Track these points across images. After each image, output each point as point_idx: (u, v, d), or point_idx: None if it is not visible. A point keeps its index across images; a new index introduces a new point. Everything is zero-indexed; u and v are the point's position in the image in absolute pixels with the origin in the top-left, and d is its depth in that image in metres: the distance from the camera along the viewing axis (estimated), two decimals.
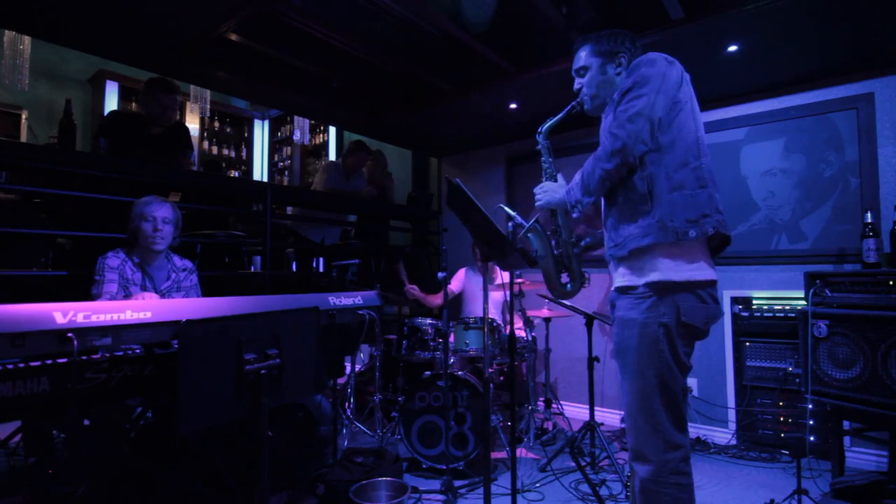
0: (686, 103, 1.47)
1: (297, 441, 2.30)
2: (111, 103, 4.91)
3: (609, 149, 1.43)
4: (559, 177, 1.70)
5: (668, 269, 1.42)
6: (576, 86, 1.68)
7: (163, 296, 2.19)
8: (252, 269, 3.78)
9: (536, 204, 1.69)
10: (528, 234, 1.71)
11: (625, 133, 1.40)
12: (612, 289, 1.58)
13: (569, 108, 1.69)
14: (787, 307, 3.00)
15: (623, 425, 3.44)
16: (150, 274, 2.19)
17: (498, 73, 3.03)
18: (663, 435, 1.41)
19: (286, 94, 3.41)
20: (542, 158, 1.74)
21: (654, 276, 1.43)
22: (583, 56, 1.64)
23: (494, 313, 3.59)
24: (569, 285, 1.73)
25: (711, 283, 1.46)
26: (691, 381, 3.34)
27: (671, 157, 1.43)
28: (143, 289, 2.15)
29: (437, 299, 3.53)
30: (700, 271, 1.43)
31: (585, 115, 1.71)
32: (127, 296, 2.09)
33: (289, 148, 6.41)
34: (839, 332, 2.28)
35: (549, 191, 1.67)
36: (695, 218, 1.41)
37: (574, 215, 1.61)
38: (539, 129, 1.75)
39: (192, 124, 5.60)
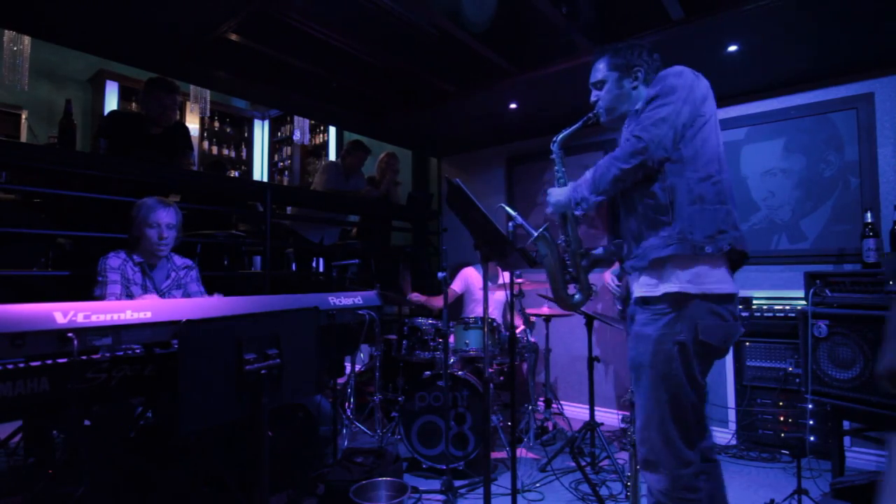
0: (710, 118, 1.47)
1: (297, 441, 2.30)
2: (111, 103, 4.91)
3: (630, 149, 1.41)
4: (570, 183, 1.69)
5: (686, 282, 1.41)
6: (592, 98, 1.68)
7: (163, 295, 2.19)
8: (252, 269, 3.78)
9: (546, 211, 1.69)
10: (538, 243, 1.69)
11: (648, 136, 1.39)
12: (632, 300, 1.56)
13: (584, 119, 1.70)
14: (787, 307, 3.00)
15: (623, 425, 3.44)
16: (151, 274, 2.19)
17: (498, 73, 3.03)
18: (675, 450, 1.41)
19: (286, 94, 3.41)
20: (556, 168, 1.74)
21: (671, 288, 1.42)
22: (601, 68, 1.65)
23: (495, 313, 3.59)
24: (577, 296, 1.72)
25: (730, 298, 1.44)
26: None
27: (693, 169, 1.43)
28: (144, 288, 2.15)
29: (440, 302, 3.53)
30: (719, 284, 1.41)
31: (600, 125, 1.72)
32: (129, 296, 2.09)
33: (289, 148, 6.41)
34: (839, 332, 2.28)
35: (554, 194, 1.66)
36: (711, 234, 1.40)
37: (577, 213, 1.60)
38: (553, 139, 1.75)
39: (192, 124, 5.60)
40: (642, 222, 1.50)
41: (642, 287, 1.50)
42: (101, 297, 2.03)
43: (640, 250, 1.50)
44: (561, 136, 1.74)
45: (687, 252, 1.40)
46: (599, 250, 1.75)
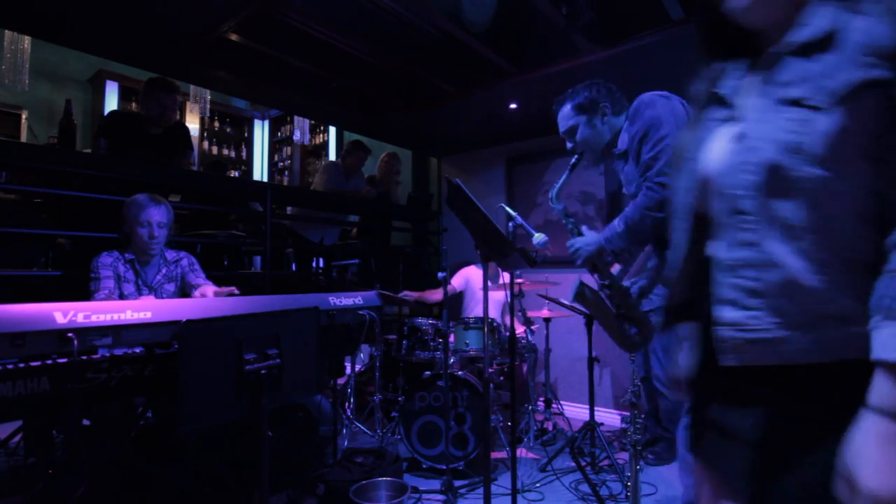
0: None
1: (297, 441, 2.30)
2: (111, 103, 4.91)
3: (658, 198, 1.43)
4: (584, 229, 1.70)
5: None
6: (569, 146, 1.71)
7: (154, 290, 2.21)
8: (252, 269, 3.78)
9: (578, 263, 1.69)
10: (576, 302, 1.65)
11: (669, 180, 1.39)
12: None
13: (570, 167, 1.73)
14: None
15: (623, 426, 3.44)
16: (141, 270, 2.20)
17: (498, 73, 3.03)
18: None
19: (286, 94, 3.41)
20: (563, 221, 1.75)
21: None
22: (567, 114, 1.67)
23: (495, 313, 3.59)
24: (638, 336, 1.67)
25: None
26: None
27: None
28: (136, 285, 2.17)
29: (436, 294, 3.52)
30: None
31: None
32: (121, 293, 2.11)
33: (289, 148, 6.42)
34: None
35: (584, 243, 1.66)
36: None
37: (609, 260, 1.61)
38: (550, 197, 1.77)
39: (192, 124, 5.60)
40: None
41: None
42: (95, 292, 2.05)
43: None
44: (555, 191, 1.75)
45: None
46: (643, 282, 1.70)
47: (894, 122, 0.57)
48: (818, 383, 0.62)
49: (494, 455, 2.92)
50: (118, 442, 1.84)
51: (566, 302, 3.14)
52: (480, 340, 2.96)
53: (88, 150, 3.21)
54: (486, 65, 2.94)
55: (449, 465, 2.50)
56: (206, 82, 3.73)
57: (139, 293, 2.17)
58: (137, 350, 1.45)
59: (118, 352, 1.41)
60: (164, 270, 2.27)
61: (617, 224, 1.56)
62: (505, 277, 3.31)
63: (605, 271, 1.68)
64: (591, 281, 1.67)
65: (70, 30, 2.57)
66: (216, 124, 6.12)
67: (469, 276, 3.71)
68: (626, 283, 1.68)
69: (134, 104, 5.01)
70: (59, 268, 2.56)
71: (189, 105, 5.34)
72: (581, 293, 1.60)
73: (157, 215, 2.17)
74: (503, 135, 4.26)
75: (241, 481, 1.89)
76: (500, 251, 1.90)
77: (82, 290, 2.16)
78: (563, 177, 1.73)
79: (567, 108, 1.67)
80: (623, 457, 2.91)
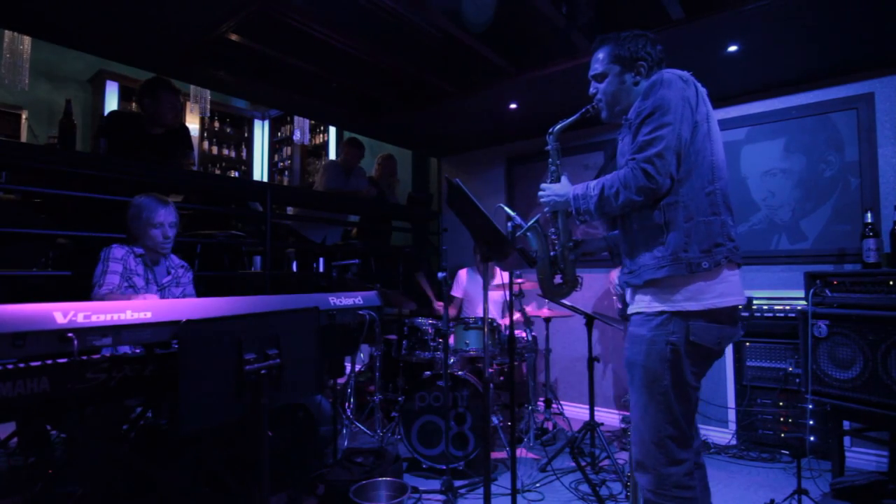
0: (702, 125, 1.43)
1: (297, 441, 2.30)
2: (111, 103, 4.91)
3: (641, 183, 1.38)
4: (563, 178, 1.68)
5: (686, 300, 1.39)
6: (591, 90, 1.63)
7: (163, 290, 2.21)
8: (252, 269, 3.78)
9: (542, 201, 1.66)
10: (528, 234, 1.71)
11: (654, 170, 1.36)
12: (629, 311, 1.56)
13: (583, 111, 1.65)
14: (787, 307, 3.00)
15: (623, 425, 3.44)
16: (153, 268, 2.20)
17: (498, 73, 3.02)
18: (665, 450, 1.41)
19: (286, 94, 3.41)
20: (550, 160, 1.71)
21: (670, 307, 1.41)
22: (601, 59, 1.58)
23: (494, 313, 3.59)
24: (562, 287, 1.72)
25: (733, 309, 1.43)
26: None
27: (688, 185, 1.41)
28: (146, 280, 2.16)
29: (451, 310, 3.62)
30: (720, 298, 1.39)
31: (600, 122, 1.70)
32: (130, 286, 2.10)
33: (289, 148, 6.41)
34: (839, 332, 2.28)
35: (554, 192, 1.63)
36: (707, 248, 1.39)
37: (577, 221, 1.59)
38: (550, 130, 1.71)
39: (192, 124, 5.60)
40: (637, 238, 1.49)
41: (638, 304, 1.49)
42: (98, 284, 2.02)
43: (635, 266, 1.49)
44: (558, 127, 1.70)
45: (682, 272, 1.39)
46: (588, 246, 1.77)
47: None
48: None
49: (494, 455, 2.92)
50: (118, 442, 1.84)
51: (567, 302, 3.13)
52: (480, 340, 2.96)
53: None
54: (486, 65, 2.93)
55: (449, 465, 2.50)
56: (206, 82, 3.73)
57: (147, 286, 2.16)
58: (137, 350, 1.45)
59: (118, 352, 1.41)
60: (172, 272, 2.28)
61: (593, 186, 1.49)
62: (502, 277, 3.31)
63: (559, 221, 1.68)
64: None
65: (70, 30, 2.56)
66: (216, 124, 6.12)
67: (461, 281, 3.74)
68: (576, 236, 1.73)
69: (134, 104, 5.01)
70: (59, 268, 2.56)
71: (189, 105, 5.33)
72: (534, 229, 1.71)
73: (168, 216, 2.18)
74: (503, 135, 4.26)
75: (241, 481, 1.89)
76: (499, 251, 1.90)
77: (83, 290, 2.15)
78: (572, 118, 1.67)
79: (604, 52, 1.57)
80: (623, 457, 2.91)
